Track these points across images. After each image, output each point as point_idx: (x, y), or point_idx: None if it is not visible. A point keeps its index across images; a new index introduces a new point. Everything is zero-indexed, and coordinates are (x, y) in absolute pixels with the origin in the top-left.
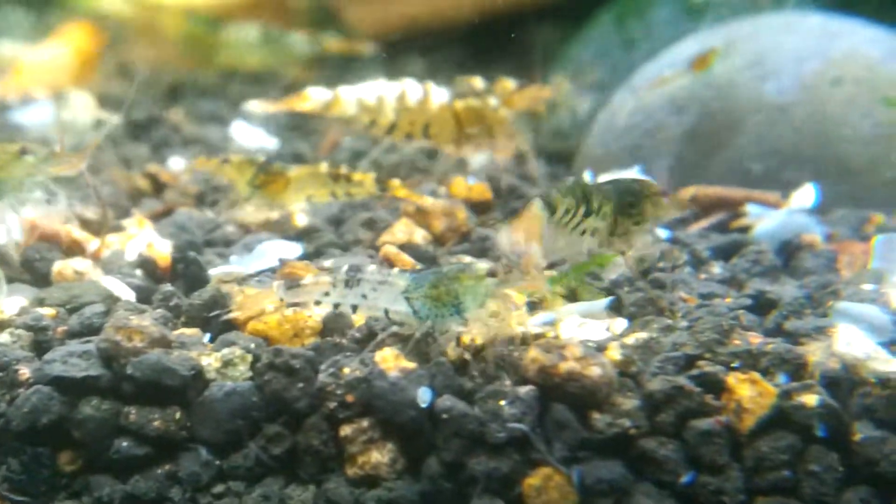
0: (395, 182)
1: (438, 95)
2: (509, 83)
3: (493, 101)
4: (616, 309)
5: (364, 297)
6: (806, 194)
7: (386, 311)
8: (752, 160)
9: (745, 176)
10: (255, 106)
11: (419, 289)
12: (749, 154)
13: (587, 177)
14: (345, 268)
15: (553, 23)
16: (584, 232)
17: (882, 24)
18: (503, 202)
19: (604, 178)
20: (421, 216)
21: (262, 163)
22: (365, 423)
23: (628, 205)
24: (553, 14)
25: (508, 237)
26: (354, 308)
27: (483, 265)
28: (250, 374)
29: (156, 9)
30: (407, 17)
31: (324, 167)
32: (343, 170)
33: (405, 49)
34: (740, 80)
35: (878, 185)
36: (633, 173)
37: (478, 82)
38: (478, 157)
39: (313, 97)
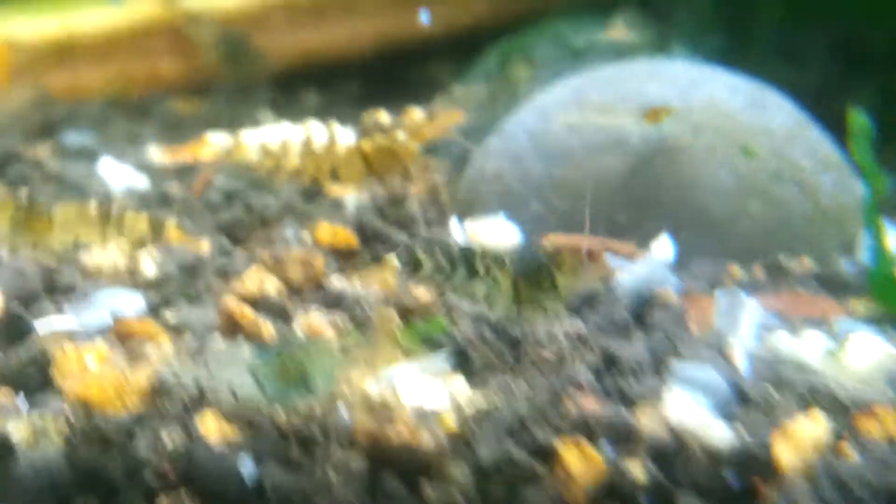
0: (171, 222)
1: (344, 137)
2: (417, 113)
3: (401, 135)
4: (459, 365)
5: (206, 367)
6: (663, 246)
7: (231, 389)
8: (617, 210)
9: (611, 226)
10: (156, 154)
11: (266, 364)
12: (613, 203)
13: (455, 224)
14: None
15: (447, 58)
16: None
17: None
18: (369, 249)
19: (478, 226)
20: (276, 264)
21: (22, 201)
22: (184, 495)
23: (532, 271)
24: (449, 49)
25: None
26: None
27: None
28: (63, 442)
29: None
30: (303, 49)
31: (93, 206)
32: (114, 210)
33: (303, 82)
34: (604, 127)
35: (737, 237)
36: (498, 221)
37: (384, 116)
38: (353, 197)
39: (214, 142)
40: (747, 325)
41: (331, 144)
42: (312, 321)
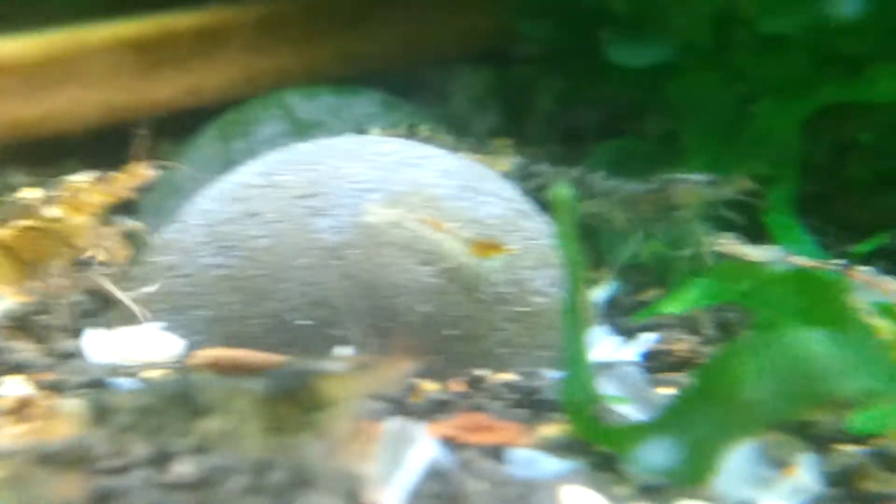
0: None
1: None
2: (79, 180)
3: (52, 211)
4: None
5: None
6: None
7: None
8: (299, 312)
9: (291, 331)
10: None
11: None
12: (295, 304)
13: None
14: None
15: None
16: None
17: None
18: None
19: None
20: None
21: None
22: None
23: (291, 392)
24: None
25: None
26: None
27: None
28: None
29: None
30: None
31: None
32: None
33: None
34: (291, 215)
35: (438, 343)
36: (152, 328)
37: (35, 194)
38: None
39: None
40: (413, 461)
41: None
42: None
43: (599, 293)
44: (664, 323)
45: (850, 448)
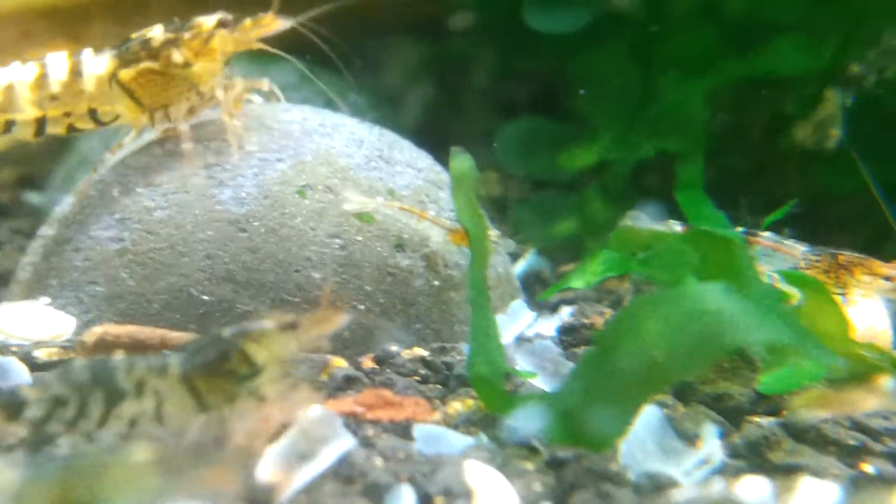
0: None
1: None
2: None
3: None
4: None
5: None
6: None
7: None
8: (200, 287)
9: (195, 306)
10: None
11: None
12: (197, 279)
13: None
14: None
15: None
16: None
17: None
18: None
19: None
20: None
21: None
22: None
23: (215, 363)
24: None
25: None
26: None
27: None
28: None
29: None
30: None
31: None
32: None
33: None
34: (192, 186)
35: (349, 318)
36: (39, 305)
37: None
38: None
39: None
40: (324, 454)
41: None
42: None
43: (521, 267)
44: (587, 297)
45: (763, 420)
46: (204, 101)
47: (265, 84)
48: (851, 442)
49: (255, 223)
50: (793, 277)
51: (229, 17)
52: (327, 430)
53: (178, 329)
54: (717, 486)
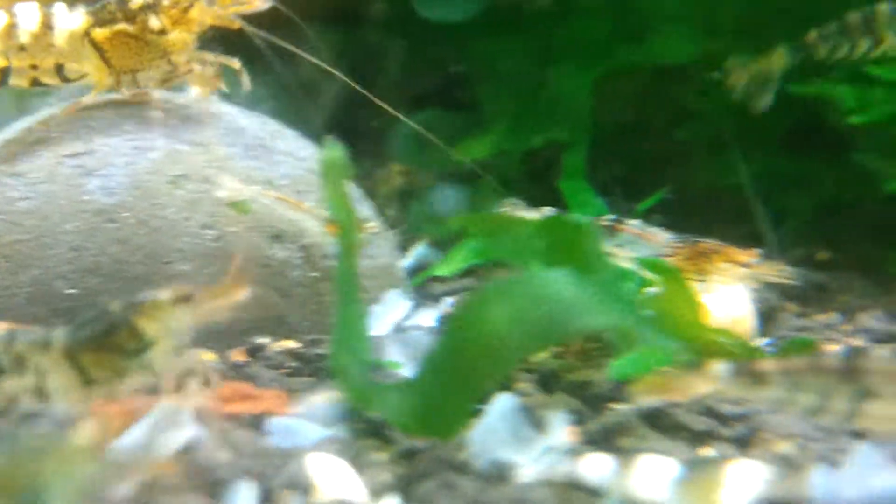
0: None
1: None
2: None
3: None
4: None
5: None
6: None
7: None
8: (66, 280)
9: (60, 299)
10: None
11: None
12: (63, 272)
13: None
14: None
15: None
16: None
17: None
18: None
19: None
20: None
21: None
22: None
23: (100, 337)
24: None
25: None
26: None
27: None
28: None
29: None
30: None
31: None
32: None
33: None
34: (59, 176)
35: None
36: None
37: None
38: None
39: None
40: (167, 442)
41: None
42: None
43: (409, 259)
44: (472, 287)
45: (621, 407)
46: (175, 72)
47: (237, 63)
48: (701, 427)
49: (125, 214)
50: (649, 264)
51: None
52: (173, 424)
53: (43, 324)
54: (562, 469)
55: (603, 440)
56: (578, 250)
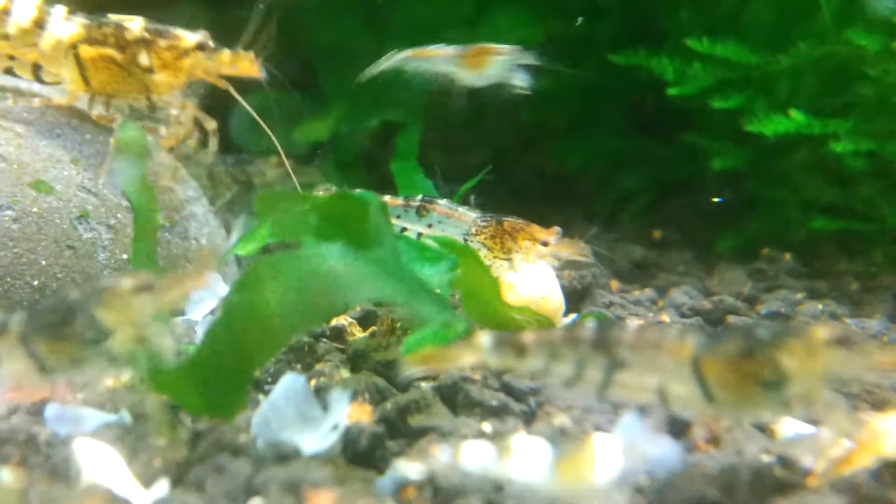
0: None
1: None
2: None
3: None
4: None
5: None
6: None
7: None
8: None
9: None
10: None
11: None
12: None
13: None
14: None
15: None
16: None
17: None
18: None
19: None
20: None
21: None
22: None
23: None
24: None
25: None
26: None
27: None
28: None
29: None
30: None
31: None
32: None
33: None
34: None
35: (28, 294)
36: None
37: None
38: None
39: None
40: None
41: None
42: None
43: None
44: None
45: (424, 385)
46: (151, 110)
47: (213, 124)
48: (495, 403)
49: None
50: (445, 243)
51: (210, 42)
52: None
53: None
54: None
55: (397, 418)
56: (357, 226)
